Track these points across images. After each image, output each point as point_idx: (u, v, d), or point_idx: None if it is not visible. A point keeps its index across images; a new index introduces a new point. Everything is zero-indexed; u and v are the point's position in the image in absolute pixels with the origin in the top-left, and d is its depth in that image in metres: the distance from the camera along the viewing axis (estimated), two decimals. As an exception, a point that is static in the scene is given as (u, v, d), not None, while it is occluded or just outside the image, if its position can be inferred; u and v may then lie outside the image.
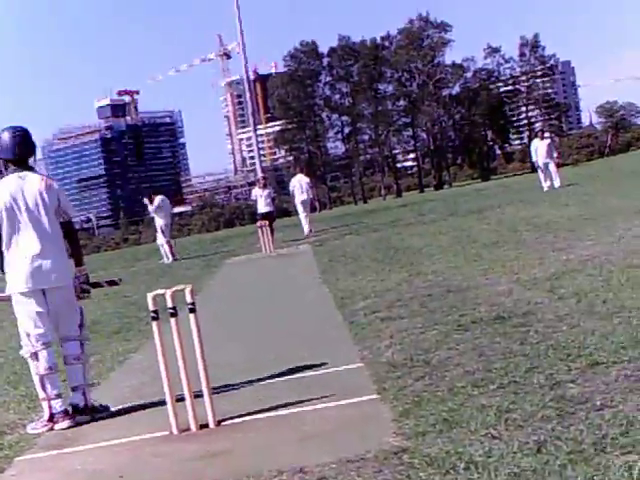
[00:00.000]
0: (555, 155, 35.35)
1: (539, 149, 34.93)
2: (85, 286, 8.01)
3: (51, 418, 7.69)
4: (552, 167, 34.64)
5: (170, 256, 29.13)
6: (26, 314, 7.83)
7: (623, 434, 4.86)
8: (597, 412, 5.37)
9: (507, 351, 7.42)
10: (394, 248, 19.75)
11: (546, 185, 33.91)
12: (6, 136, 7.89)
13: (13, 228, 7.81)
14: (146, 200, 30.02)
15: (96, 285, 8.33)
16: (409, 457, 5.12)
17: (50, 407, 7.73)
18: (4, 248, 7.84)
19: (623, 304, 8.55)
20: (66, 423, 7.68)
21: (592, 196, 25.24)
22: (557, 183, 33.94)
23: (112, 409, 7.94)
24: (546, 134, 39.60)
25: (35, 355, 7.79)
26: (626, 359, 6.51)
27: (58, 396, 7.78)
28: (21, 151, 7.91)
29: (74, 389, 7.82)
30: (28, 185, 7.84)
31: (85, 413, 7.76)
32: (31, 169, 7.99)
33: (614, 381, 6.01)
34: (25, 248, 7.78)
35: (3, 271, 7.92)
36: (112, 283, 9.15)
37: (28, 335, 7.81)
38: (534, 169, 39.91)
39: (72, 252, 8.05)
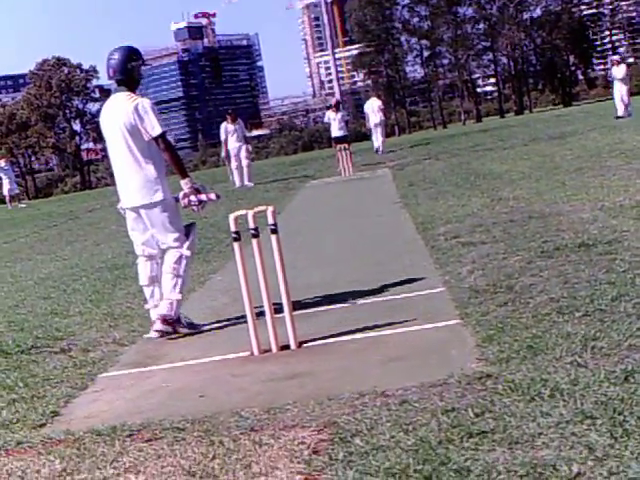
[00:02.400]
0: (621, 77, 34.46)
1: (615, 76, 34.49)
2: (193, 198, 7.93)
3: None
4: (624, 95, 34.10)
5: (238, 180, 28.51)
6: (129, 227, 8.23)
7: None
8: (687, 342, 5.25)
9: (592, 279, 7.28)
10: (474, 173, 19.54)
11: (620, 112, 33.39)
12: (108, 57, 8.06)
13: (110, 150, 8.13)
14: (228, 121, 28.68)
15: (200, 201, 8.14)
16: (493, 383, 5.06)
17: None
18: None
19: None
20: (154, 334, 7.95)
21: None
22: (629, 110, 33.35)
23: (204, 328, 8.09)
24: (627, 60, 38.71)
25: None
26: None
27: (156, 307, 8.06)
28: (113, 73, 8.02)
29: (166, 299, 7.98)
30: (115, 106, 8.02)
31: (169, 324, 7.89)
32: (129, 89, 8.02)
33: None
34: (117, 169, 8.12)
35: None
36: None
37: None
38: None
39: (172, 166, 8.02)
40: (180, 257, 7.95)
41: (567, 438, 4.07)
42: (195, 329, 7.98)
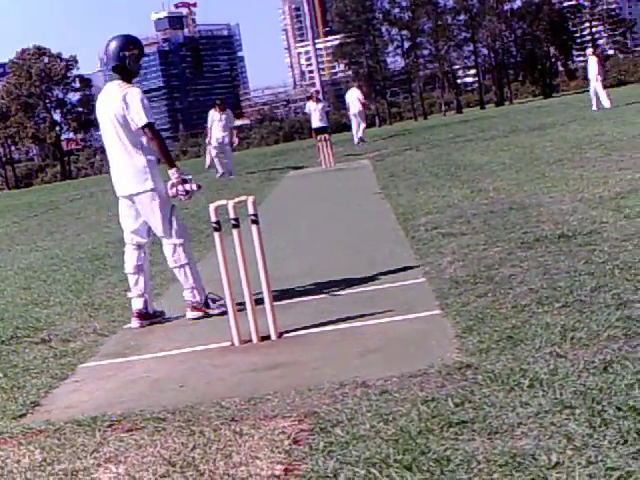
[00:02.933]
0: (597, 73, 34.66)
1: (590, 68, 35.12)
2: (180, 188, 7.93)
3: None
4: (598, 87, 34.48)
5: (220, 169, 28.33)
6: (121, 214, 8.30)
7: (692, 355, 4.77)
8: (665, 332, 5.28)
9: (572, 270, 7.31)
10: (455, 164, 19.59)
11: (594, 104, 34.04)
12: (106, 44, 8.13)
13: (104, 138, 8.17)
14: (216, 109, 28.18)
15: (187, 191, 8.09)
16: (472, 373, 5.08)
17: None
18: None
19: (691, 224, 8.39)
20: (135, 323, 8.06)
21: (658, 114, 24.79)
22: (606, 104, 33.66)
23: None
24: (588, 50, 39.02)
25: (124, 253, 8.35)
26: (695, 280, 6.39)
27: (139, 296, 8.14)
28: (107, 60, 8.09)
29: (186, 289, 8.09)
30: (107, 95, 8.07)
31: (198, 310, 8.03)
32: (123, 78, 8.03)
33: (682, 302, 5.91)
34: (110, 158, 8.16)
35: None
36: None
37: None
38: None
39: (159, 156, 8.05)
40: (174, 247, 8.02)
41: (546, 428, 4.09)
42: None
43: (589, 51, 38.96)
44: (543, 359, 5.11)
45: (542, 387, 4.63)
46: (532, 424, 4.17)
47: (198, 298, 8.01)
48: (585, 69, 37.91)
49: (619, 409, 4.15)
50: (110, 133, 7.97)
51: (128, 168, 7.96)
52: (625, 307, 5.94)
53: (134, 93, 7.87)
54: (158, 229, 8.05)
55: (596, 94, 34.24)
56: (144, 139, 7.90)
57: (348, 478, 3.90)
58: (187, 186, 7.96)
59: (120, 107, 7.83)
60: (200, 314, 7.99)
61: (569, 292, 6.57)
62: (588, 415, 4.14)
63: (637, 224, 8.83)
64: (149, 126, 7.85)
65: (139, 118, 7.79)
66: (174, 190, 7.95)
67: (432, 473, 3.81)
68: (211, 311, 7.97)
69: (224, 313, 7.46)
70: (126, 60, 7.99)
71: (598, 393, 4.40)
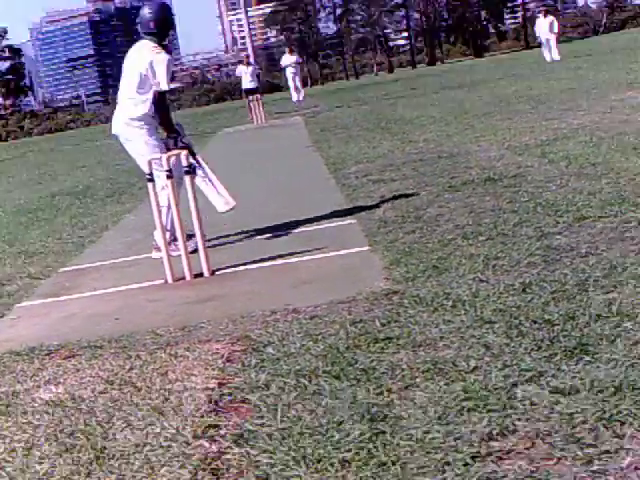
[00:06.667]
0: (555, 31, 38.53)
1: (542, 26, 38.80)
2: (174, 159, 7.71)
3: None
4: (552, 42, 38.02)
5: None
6: None
7: (605, 276, 5.00)
8: (582, 258, 5.51)
9: (497, 208, 7.54)
10: (386, 119, 19.78)
11: (548, 57, 37.50)
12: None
13: (121, 84, 8.36)
14: None
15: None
16: (399, 298, 5.27)
17: None
18: None
19: (612, 167, 8.63)
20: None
21: (585, 70, 25.18)
22: (556, 56, 37.10)
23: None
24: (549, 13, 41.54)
25: None
26: (612, 214, 6.62)
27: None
28: (141, 24, 8.30)
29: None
30: (137, 51, 8.27)
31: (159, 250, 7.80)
32: (152, 40, 8.20)
33: (599, 233, 6.13)
34: (118, 101, 8.42)
35: None
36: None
37: None
38: (528, 46, 41.16)
39: (159, 122, 8.24)
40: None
41: (467, 340, 4.30)
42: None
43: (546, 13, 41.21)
44: (466, 284, 5.33)
45: (464, 307, 4.84)
46: (453, 337, 4.38)
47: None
48: (524, 28, 41.70)
49: (535, 322, 4.38)
50: (126, 82, 8.21)
51: (126, 115, 8.16)
52: (545, 238, 6.19)
53: (162, 59, 8.06)
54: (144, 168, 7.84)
55: (549, 48, 37.70)
56: (149, 97, 8.07)
57: (279, 387, 4.08)
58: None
59: (144, 66, 8.03)
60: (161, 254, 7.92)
61: (493, 227, 6.80)
62: (506, 328, 4.36)
63: (560, 167, 9.09)
64: (164, 94, 8.14)
65: (162, 84, 8.03)
66: (172, 160, 7.71)
67: (359, 380, 4.00)
68: (172, 252, 7.83)
69: (195, 251, 7.29)
70: (157, 24, 8.17)
71: (516, 310, 4.63)
